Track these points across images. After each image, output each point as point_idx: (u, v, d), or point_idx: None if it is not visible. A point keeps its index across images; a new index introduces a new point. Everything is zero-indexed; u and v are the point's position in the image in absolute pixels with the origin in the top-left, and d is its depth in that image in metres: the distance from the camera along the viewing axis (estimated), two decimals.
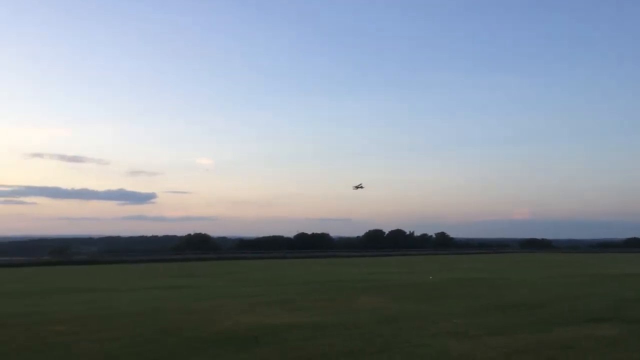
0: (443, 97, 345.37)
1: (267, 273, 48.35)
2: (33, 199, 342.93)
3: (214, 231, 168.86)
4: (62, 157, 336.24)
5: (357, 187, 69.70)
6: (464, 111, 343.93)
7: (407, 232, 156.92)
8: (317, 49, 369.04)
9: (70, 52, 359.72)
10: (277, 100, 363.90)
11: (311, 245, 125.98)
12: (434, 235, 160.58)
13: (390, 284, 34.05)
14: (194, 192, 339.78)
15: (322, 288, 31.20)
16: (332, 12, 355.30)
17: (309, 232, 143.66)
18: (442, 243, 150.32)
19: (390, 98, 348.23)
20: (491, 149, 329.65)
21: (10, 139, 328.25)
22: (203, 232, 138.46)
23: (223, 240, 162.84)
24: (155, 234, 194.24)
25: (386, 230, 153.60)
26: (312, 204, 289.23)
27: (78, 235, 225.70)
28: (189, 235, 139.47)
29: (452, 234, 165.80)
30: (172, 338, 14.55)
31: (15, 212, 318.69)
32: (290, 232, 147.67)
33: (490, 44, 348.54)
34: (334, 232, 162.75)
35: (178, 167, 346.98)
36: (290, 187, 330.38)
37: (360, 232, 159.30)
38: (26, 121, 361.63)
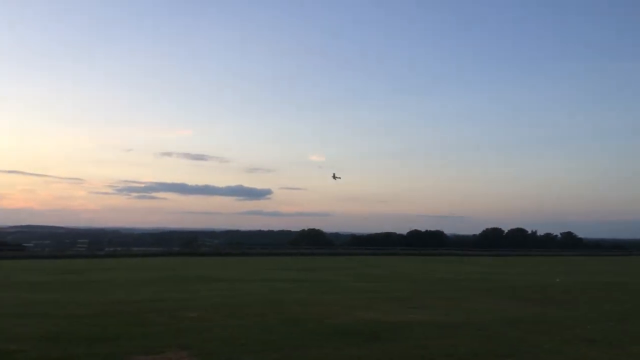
0: (570, 86, 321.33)
1: (382, 269, 48.29)
2: (163, 194, 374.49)
3: (327, 227, 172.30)
4: (188, 156, 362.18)
5: (334, 177, 69.24)
6: (594, 99, 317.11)
7: (529, 231, 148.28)
8: (429, 45, 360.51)
9: (193, 58, 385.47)
10: (389, 96, 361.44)
11: (424, 242, 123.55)
12: (559, 235, 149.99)
13: (512, 284, 32.41)
14: (307, 189, 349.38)
15: (440, 286, 30.49)
16: (444, 9, 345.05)
17: (422, 229, 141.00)
18: (568, 243, 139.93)
19: (508, 90, 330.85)
20: (627, 140, 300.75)
21: (144, 141, 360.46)
22: (317, 228, 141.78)
23: (336, 236, 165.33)
24: (271, 228, 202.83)
25: (505, 229, 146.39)
26: (426, 201, 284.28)
27: (202, 229, 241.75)
28: (304, 230, 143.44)
29: (580, 233, 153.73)
30: (295, 328, 15.04)
31: (149, 206, 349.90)
32: (402, 229, 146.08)
33: (610, 30, 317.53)
34: (449, 230, 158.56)
35: (292, 164, 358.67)
36: (402, 183, 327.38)
37: (477, 230, 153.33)
38: (158, 124, 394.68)
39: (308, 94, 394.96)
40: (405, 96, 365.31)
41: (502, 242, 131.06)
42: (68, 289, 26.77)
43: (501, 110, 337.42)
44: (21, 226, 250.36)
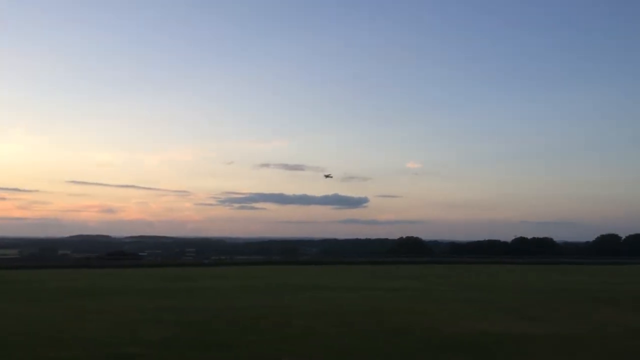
0: None
1: (486, 278, 46.19)
2: (262, 204, 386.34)
3: (425, 234, 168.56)
4: (285, 166, 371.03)
5: (327, 176, 70.97)
6: None
7: None
8: (531, 45, 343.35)
9: (288, 70, 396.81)
10: (489, 98, 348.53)
11: (532, 250, 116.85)
12: None
13: (636, 295, 29.55)
14: (403, 196, 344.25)
15: (553, 297, 28.49)
16: (536, 7, 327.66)
17: (529, 237, 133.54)
18: None
19: (618, 89, 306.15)
20: None
21: (244, 153, 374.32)
22: (415, 236, 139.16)
23: (434, 243, 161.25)
24: (368, 236, 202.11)
25: (623, 235, 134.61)
26: (530, 206, 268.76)
27: (300, 237, 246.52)
28: (401, 238, 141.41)
29: None
30: (402, 338, 14.62)
31: (249, 216, 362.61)
32: (506, 236, 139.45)
33: None
34: (558, 237, 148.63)
35: (388, 171, 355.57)
36: (504, 188, 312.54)
37: (590, 237, 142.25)
38: (256, 136, 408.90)
39: (403, 100, 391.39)
40: (506, 98, 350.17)
41: (621, 249, 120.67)
42: (180, 296, 28.19)
43: (611, 109, 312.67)
44: (136, 236, 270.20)
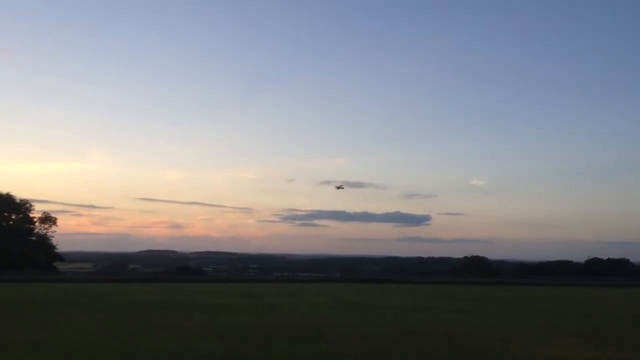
0: None
1: (558, 301, 43.99)
2: (323, 221, 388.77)
3: (491, 254, 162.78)
4: (346, 183, 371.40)
5: (338, 188, 65.47)
6: None
7: None
8: (603, 57, 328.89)
9: (346, 88, 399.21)
10: (554, 112, 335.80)
11: (606, 272, 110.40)
12: None
13: None
14: (468, 214, 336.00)
15: (631, 322, 26.73)
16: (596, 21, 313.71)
17: (603, 257, 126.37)
18: None
19: None
20: None
21: (305, 170, 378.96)
22: (480, 255, 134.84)
23: (501, 263, 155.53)
24: (431, 255, 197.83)
25: None
26: (605, 225, 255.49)
27: (361, 255, 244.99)
28: (466, 257, 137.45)
29: None
30: None
31: (310, 233, 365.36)
32: (578, 257, 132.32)
33: None
34: (636, 258, 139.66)
35: (451, 188, 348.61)
36: (576, 207, 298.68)
37: None
38: (317, 154, 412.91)
39: (468, 116, 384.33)
40: (577, 112, 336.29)
41: None
42: (244, 311, 28.64)
43: None
44: (201, 252, 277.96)
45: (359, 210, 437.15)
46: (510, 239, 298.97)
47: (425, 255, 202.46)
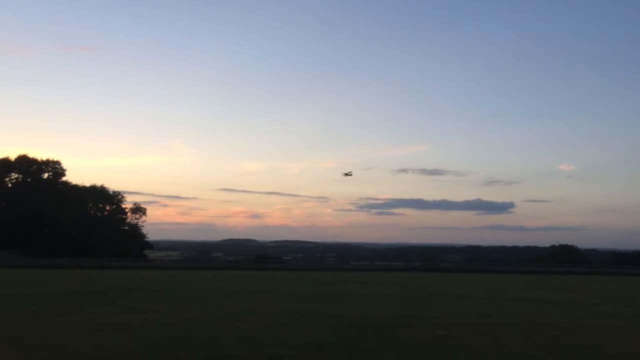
0: None
1: None
2: (401, 210, 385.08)
3: (581, 242, 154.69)
4: (423, 171, 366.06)
5: (346, 174, 66.72)
6: None
7: None
8: None
9: (421, 74, 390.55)
10: None
11: None
12: None
13: None
14: (554, 201, 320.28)
15: None
16: None
17: None
18: None
19: None
20: None
21: (382, 159, 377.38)
22: (569, 243, 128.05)
23: (592, 252, 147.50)
24: (515, 244, 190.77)
25: None
26: None
27: (440, 244, 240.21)
28: (553, 246, 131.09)
29: None
30: (559, 356, 13.48)
31: (388, 222, 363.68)
32: None
33: None
34: None
35: (536, 174, 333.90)
36: None
37: None
38: (394, 142, 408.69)
39: (553, 96, 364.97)
40: None
41: None
42: (323, 300, 28.98)
43: None
44: (279, 241, 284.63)
45: (437, 198, 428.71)
46: (602, 226, 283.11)
47: (509, 244, 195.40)
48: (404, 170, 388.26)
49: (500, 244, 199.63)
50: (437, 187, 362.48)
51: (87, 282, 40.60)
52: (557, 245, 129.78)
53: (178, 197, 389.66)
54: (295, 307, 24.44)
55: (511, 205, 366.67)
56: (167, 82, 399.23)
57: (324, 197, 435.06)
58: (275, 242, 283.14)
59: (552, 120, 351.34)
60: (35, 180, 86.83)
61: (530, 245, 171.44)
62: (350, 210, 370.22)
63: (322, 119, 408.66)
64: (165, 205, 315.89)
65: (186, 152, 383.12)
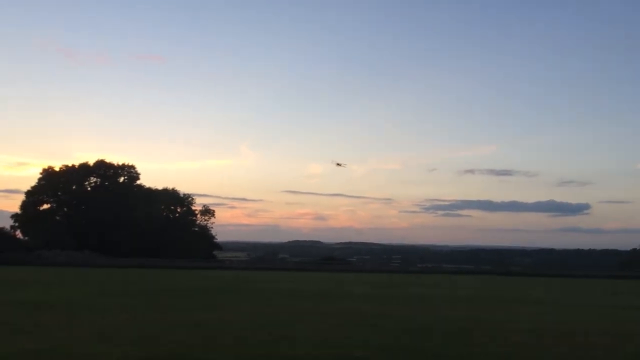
0: None
1: None
2: (468, 211, 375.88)
3: None
4: (491, 172, 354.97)
5: (338, 165, 67.00)
6: None
7: None
8: None
9: (490, 72, 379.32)
10: None
11: None
12: None
13: None
14: (635, 201, 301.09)
15: None
16: None
17: None
18: None
19: None
20: None
21: (446, 159, 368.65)
22: None
23: None
24: (592, 247, 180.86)
25: None
26: None
27: (510, 247, 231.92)
28: (634, 249, 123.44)
29: None
30: None
31: (454, 223, 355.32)
32: None
33: None
34: None
35: (614, 173, 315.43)
36: None
37: None
38: (459, 142, 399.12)
39: (631, 91, 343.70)
40: None
41: None
42: (391, 302, 28.66)
43: None
44: (345, 243, 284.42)
45: (506, 200, 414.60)
46: None
47: (584, 247, 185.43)
48: (471, 171, 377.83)
49: (576, 247, 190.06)
50: (506, 188, 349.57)
51: (173, 280, 42.16)
52: (637, 248, 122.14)
53: (244, 200, 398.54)
54: (363, 309, 24.29)
55: (587, 206, 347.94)
56: (233, 87, 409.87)
57: (389, 199, 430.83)
58: (340, 243, 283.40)
59: (630, 117, 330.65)
60: (112, 184, 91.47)
61: (609, 248, 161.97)
62: (415, 212, 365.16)
63: (386, 120, 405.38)
64: (233, 207, 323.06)
65: (252, 155, 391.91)
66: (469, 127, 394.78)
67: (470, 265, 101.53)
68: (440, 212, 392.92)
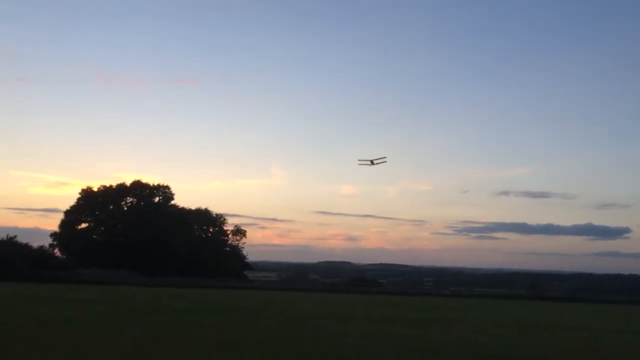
0: None
1: None
2: (502, 234, 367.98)
3: None
4: (527, 194, 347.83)
5: (373, 163, 51.64)
6: None
7: None
8: None
9: (524, 92, 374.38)
10: None
11: None
12: None
13: None
14: None
15: None
16: None
17: None
18: None
19: None
20: None
21: (480, 180, 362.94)
22: None
23: None
24: (633, 272, 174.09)
25: None
26: None
27: (546, 270, 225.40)
28: None
29: None
30: None
31: (488, 246, 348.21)
32: None
33: None
34: None
35: None
36: None
37: None
38: (493, 163, 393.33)
39: None
40: None
41: None
42: (422, 325, 28.25)
43: None
44: (375, 264, 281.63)
45: (542, 222, 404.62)
46: None
47: (625, 272, 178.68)
48: (505, 193, 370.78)
49: (616, 272, 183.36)
50: (543, 210, 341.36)
51: (202, 300, 42.61)
52: None
53: (275, 220, 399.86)
54: (393, 331, 24.03)
55: (627, 230, 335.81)
56: (264, 108, 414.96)
57: (420, 221, 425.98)
58: (371, 264, 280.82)
59: None
60: (148, 204, 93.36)
61: None
62: (447, 234, 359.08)
63: (417, 141, 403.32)
64: (264, 228, 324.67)
65: (283, 176, 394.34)
66: (503, 148, 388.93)
67: (505, 289, 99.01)
68: (473, 235, 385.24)
